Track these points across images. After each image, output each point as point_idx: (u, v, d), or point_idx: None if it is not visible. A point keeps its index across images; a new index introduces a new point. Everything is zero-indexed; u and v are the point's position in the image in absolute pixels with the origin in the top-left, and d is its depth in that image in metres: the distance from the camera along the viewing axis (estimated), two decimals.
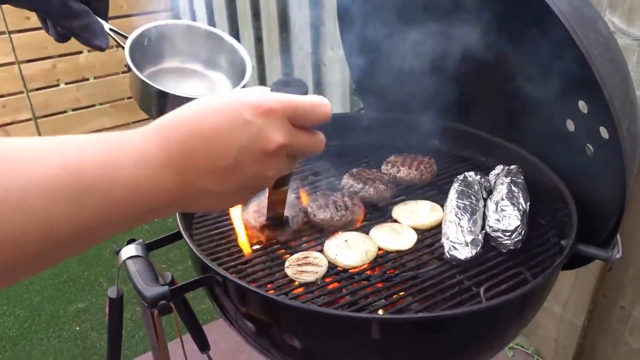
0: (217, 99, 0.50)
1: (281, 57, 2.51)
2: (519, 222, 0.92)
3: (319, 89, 2.37)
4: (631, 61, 1.28)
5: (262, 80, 2.73)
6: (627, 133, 0.74)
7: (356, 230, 1.00)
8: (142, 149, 0.45)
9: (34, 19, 0.84)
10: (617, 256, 0.85)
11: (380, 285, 0.89)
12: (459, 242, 0.90)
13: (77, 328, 2.13)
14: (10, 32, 2.77)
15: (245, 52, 0.94)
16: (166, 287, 0.79)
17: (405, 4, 1.13)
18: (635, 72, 1.28)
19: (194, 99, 0.51)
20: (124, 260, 0.86)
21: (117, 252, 0.89)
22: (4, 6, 0.79)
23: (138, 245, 0.89)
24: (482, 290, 0.81)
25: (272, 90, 0.54)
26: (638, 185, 1.39)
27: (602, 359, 1.63)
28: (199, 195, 0.50)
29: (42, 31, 0.87)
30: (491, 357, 0.99)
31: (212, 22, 2.93)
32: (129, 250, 0.88)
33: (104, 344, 2.06)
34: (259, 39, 2.59)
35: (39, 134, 2.98)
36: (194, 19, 3.04)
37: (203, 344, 1.01)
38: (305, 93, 0.55)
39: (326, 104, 0.54)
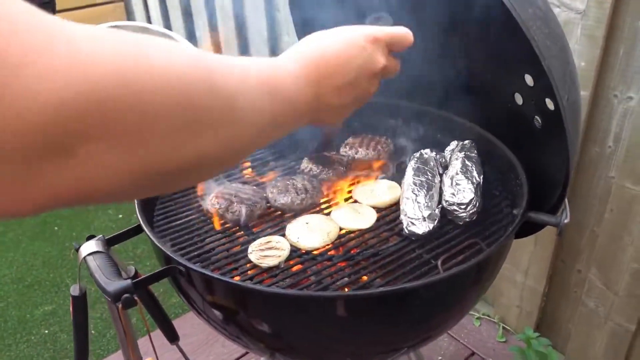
0: (340, 32, 0.63)
1: (238, 44, 2.49)
2: (473, 195, 0.95)
3: None
4: (575, 34, 1.32)
5: None
6: (567, 103, 0.78)
7: (317, 212, 1.01)
8: (292, 71, 0.55)
9: None
10: (566, 221, 0.89)
11: (343, 264, 0.91)
12: (416, 218, 0.92)
13: (46, 331, 2.09)
14: None
15: None
16: (129, 281, 0.78)
17: None
18: (579, 45, 1.32)
19: None
20: (84, 257, 0.86)
21: (77, 249, 0.88)
22: None
23: (98, 241, 0.88)
24: (439, 262, 0.84)
25: (368, 24, 0.70)
26: (588, 155, 1.45)
27: (563, 321, 1.71)
28: (325, 108, 0.61)
29: None
30: (454, 324, 1.03)
31: (164, 12, 2.87)
32: (89, 247, 0.87)
33: None
34: (213, 28, 2.55)
35: None
36: (146, 9, 2.97)
37: (172, 336, 1.01)
38: (392, 24, 0.72)
39: (410, 33, 0.69)
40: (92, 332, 2.04)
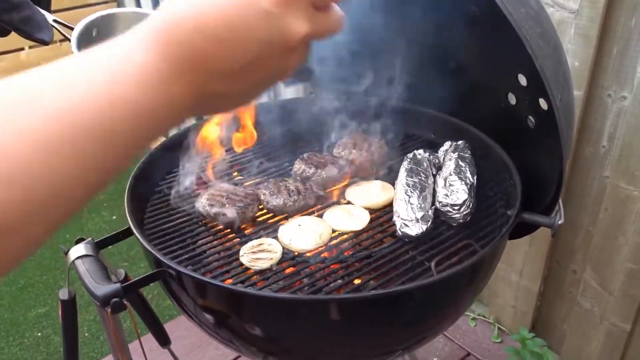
0: None
1: None
2: (466, 196, 0.94)
3: None
4: (569, 34, 1.32)
5: None
6: (561, 102, 0.77)
7: (309, 214, 1.00)
8: (143, 66, 0.38)
9: None
10: (560, 222, 0.88)
11: (336, 266, 0.90)
12: (409, 219, 0.92)
13: (39, 334, 2.07)
14: None
15: None
16: (118, 285, 0.77)
17: None
18: (573, 44, 1.32)
19: None
20: (73, 261, 0.84)
21: (66, 253, 0.87)
22: None
23: (87, 244, 0.87)
24: (433, 264, 0.83)
25: None
26: (583, 155, 1.45)
27: (558, 321, 1.70)
28: (212, 100, 0.43)
29: None
30: (449, 325, 1.02)
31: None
32: (78, 250, 0.86)
33: None
34: None
35: None
36: (139, 6, 2.96)
37: (163, 339, 1.00)
38: None
39: None
40: (86, 334, 2.03)
